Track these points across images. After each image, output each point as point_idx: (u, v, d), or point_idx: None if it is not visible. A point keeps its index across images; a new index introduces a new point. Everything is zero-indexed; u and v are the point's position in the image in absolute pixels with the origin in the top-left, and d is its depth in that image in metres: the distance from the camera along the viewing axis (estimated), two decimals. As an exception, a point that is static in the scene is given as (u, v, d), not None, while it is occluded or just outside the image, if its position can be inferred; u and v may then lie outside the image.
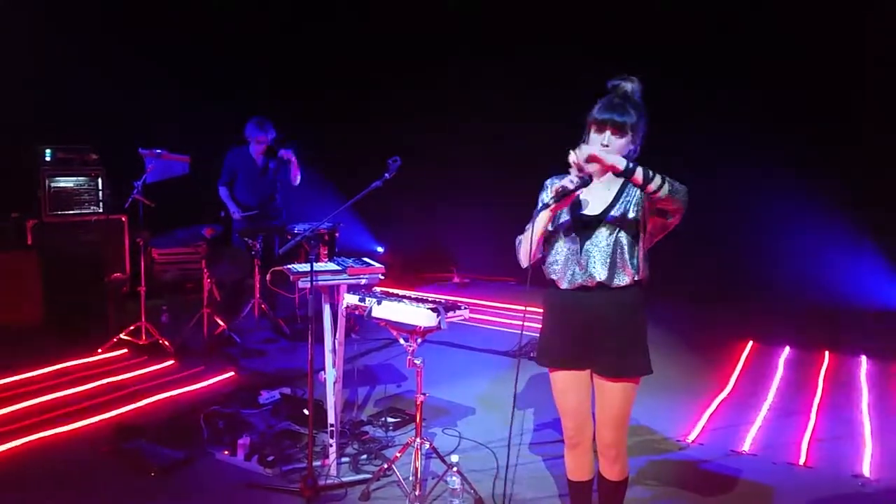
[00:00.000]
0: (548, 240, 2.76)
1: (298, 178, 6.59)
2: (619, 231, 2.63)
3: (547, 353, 2.84)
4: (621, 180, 2.67)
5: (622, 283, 2.66)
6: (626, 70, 2.74)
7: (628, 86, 2.69)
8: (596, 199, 2.71)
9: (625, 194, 2.67)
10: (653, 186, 2.47)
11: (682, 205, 2.55)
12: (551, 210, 2.63)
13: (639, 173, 2.46)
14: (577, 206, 2.72)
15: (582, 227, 2.68)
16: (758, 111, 6.88)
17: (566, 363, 2.79)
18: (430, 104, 8.51)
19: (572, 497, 3.00)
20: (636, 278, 2.67)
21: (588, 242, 2.66)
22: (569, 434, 2.89)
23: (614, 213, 2.65)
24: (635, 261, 2.65)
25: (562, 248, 2.71)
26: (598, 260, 2.65)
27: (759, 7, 6.89)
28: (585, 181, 2.54)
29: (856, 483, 3.74)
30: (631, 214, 2.64)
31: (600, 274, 2.65)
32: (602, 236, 2.65)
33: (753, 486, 3.70)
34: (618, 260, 2.64)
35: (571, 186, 2.53)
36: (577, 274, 2.68)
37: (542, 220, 2.68)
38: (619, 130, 2.61)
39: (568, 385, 2.81)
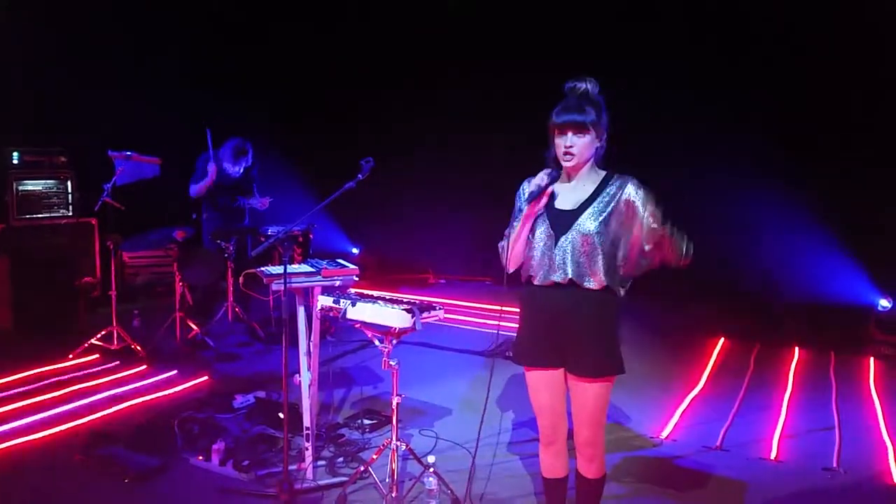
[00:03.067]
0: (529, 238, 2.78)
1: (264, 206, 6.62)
2: (590, 232, 2.64)
3: (521, 351, 2.85)
4: (598, 179, 2.72)
5: (591, 286, 2.67)
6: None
7: (585, 86, 2.71)
8: (572, 195, 2.73)
9: (602, 195, 2.68)
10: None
11: (675, 256, 2.63)
12: (528, 209, 2.67)
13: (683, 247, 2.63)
14: (552, 200, 2.74)
15: (557, 222, 2.70)
16: (724, 111, 6.95)
17: (540, 362, 2.80)
18: (405, 106, 8.50)
19: (547, 495, 3.02)
20: (605, 285, 2.67)
21: (562, 238, 2.67)
22: (544, 432, 2.91)
23: (589, 211, 2.66)
24: (601, 269, 2.65)
25: (538, 244, 2.73)
26: (569, 257, 2.66)
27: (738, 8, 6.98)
28: (554, 176, 2.66)
29: (826, 476, 3.80)
30: (602, 219, 2.65)
31: (570, 272, 2.66)
32: (575, 233, 2.66)
33: (726, 481, 3.75)
34: (586, 261, 2.65)
35: (544, 182, 2.64)
36: (550, 270, 2.70)
37: (521, 223, 2.71)
38: (580, 130, 2.64)
39: (542, 383, 2.82)
